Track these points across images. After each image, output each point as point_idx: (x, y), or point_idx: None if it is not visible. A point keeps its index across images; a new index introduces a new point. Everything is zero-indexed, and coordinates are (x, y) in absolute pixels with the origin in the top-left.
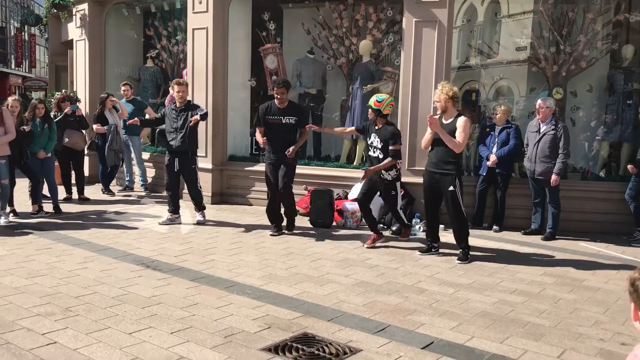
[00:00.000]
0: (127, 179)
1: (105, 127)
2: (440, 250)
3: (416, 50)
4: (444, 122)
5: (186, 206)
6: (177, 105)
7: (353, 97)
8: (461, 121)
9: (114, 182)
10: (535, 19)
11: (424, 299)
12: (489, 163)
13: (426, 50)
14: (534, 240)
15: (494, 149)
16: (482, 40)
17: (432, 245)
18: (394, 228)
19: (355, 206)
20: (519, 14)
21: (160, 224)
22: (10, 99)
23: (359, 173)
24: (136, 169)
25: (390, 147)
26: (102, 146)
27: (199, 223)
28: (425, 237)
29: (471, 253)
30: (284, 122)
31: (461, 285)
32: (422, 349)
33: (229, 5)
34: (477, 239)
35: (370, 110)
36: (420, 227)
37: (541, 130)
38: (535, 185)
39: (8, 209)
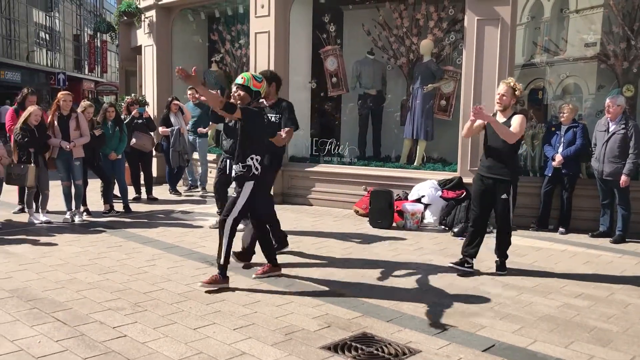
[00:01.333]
0: (189, 178)
1: (169, 130)
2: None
3: (478, 49)
4: (498, 120)
5: None
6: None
7: (414, 97)
8: (517, 118)
9: (180, 182)
10: (605, 14)
11: (485, 301)
12: (554, 163)
13: (489, 49)
14: (602, 243)
15: (560, 149)
16: (548, 37)
17: (465, 259)
18: (455, 229)
19: (415, 207)
20: (587, 9)
21: (210, 227)
22: (84, 104)
23: (420, 174)
24: (199, 169)
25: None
26: (168, 148)
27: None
28: (462, 249)
29: (534, 255)
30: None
31: (524, 288)
32: (482, 351)
33: (290, 8)
34: (543, 241)
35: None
36: None
37: (610, 130)
38: (603, 186)
39: (82, 209)
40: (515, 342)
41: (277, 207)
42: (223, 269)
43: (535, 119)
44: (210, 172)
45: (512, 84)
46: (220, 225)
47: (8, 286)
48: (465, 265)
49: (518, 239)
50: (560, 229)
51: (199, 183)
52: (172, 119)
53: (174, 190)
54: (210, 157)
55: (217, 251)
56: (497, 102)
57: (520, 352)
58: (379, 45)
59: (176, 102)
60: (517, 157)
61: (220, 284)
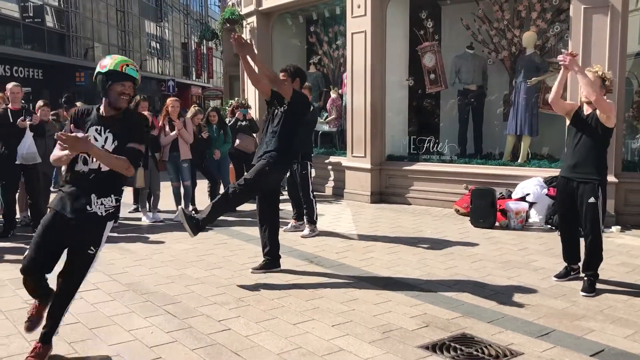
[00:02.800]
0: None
1: None
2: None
3: (586, 39)
4: (585, 113)
5: (347, 205)
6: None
7: (517, 91)
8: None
9: None
10: None
11: (594, 304)
12: None
13: (597, 38)
14: None
15: None
16: None
17: (570, 268)
18: None
19: (519, 205)
20: None
21: (284, 231)
22: (193, 109)
23: (524, 171)
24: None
25: None
26: None
27: (303, 237)
28: (563, 259)
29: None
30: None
31: (638, 292)
32: (590, 356)
33: (387, 7)
34: None
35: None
36: None
37: None
38: None
39: (190, 208)
40: (627, 347)
41: (374, 207)
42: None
43: None
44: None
45: (599, 72)
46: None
47: (124, 280)
48: (572, 274)
49: (632, 239)
50: None
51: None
52: None
53: None
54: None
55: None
56: (583, 94)
57: (633, 358)
58: (478, 39)
59: None
60: (606, 154)
61: None
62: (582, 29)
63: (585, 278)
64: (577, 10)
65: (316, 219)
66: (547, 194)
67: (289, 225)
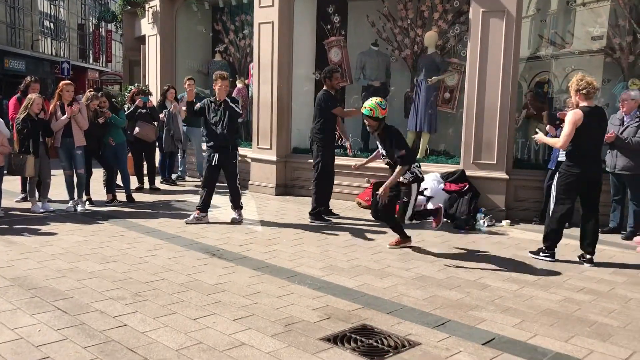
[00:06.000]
0: (180, 168)
1: (164, 112)
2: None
3: (483, 41)
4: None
5: (252, 197)
6: (217, 99)
7: (418, 89)
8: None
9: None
10: (611, 7)
11: (486, 294)
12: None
13: (494, 41)
14: (611, 239)
15: None
16: (554, 30)
17: (587, 253)
18: (457, 222)
19: (420, 199)
20: (594, 2)
21: (186, 222)
22: (88, 94)
23: (423, 166)
24: (194, 159)
25: (395, 156)
26: (161, 136)
27: (233, 222)
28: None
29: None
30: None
31: (526, 282)
32: (482, 344)
33: None
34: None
35: (367, 119)
36: (484, 222)
37: (625, 123)
38: (615, 181)
39: (84, 198)
40: (515, 335)
41: (279, 199)
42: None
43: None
44: None
45: (574, 85)
46: None
47: (9, 275)
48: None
49: (520, 232)
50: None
51: (199, 174)
52: (168, 107)
53: (166, 179)
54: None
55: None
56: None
57: (520, 345)
58: (383, 36)
59: (172, 90)
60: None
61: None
62: (481, 32)
63: (592, 256)
64: (476, 13)
65: (241, 205)
66: (443, 189)
67: (191, 217)
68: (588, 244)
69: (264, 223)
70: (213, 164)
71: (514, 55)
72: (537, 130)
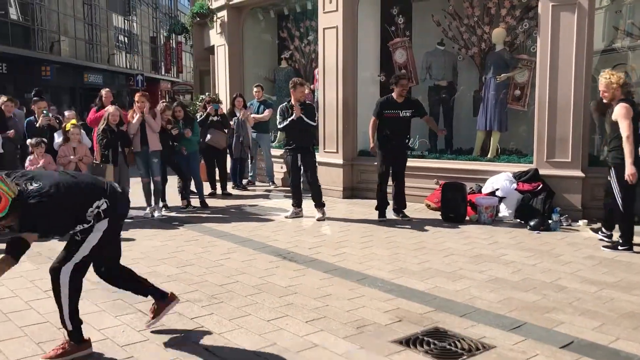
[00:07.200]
0: (250, 173)
1: (233, 119)
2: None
3: (554, 36)
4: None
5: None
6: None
7: (486, 87)
8: (616, 109)
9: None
10: None
11: (563, 296)
12: None
13: (565, 35)
14: None
15: None
16: (631, 20)
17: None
18: (532, 223)
19: (489, 200)
20: None
21: (286, 217)
22: (161, 106)
23: (494, 166)
24: (264, 165)
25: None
26: (231, 143)
27: (319, 220)
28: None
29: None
30: (401, 115)
31: (605, 284)
32: (560, 348)
33: (358, 3)
34: None
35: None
36: (560, 222)
37: None
38: None
39: (161, 204)
40: (595, 339)
41: (346, 202)
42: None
43: None
44: (282, 167)
45: (608, 77)
46: None
47: (94, 278)
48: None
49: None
50: None
51: (268, 179)
52: (237, 114)
53: (237, 185)
54: (276, 152)
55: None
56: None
57: (601, 349)
58: (449, 35)
59: (240, 99)
60: None
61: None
62: (550, 26)
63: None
64: (545, 7)
65: (323, 203)
66: (516, 189)
67: (290, 212)
68: None
69: (332, 226)
70: (298, 165)
71: (586, 48)
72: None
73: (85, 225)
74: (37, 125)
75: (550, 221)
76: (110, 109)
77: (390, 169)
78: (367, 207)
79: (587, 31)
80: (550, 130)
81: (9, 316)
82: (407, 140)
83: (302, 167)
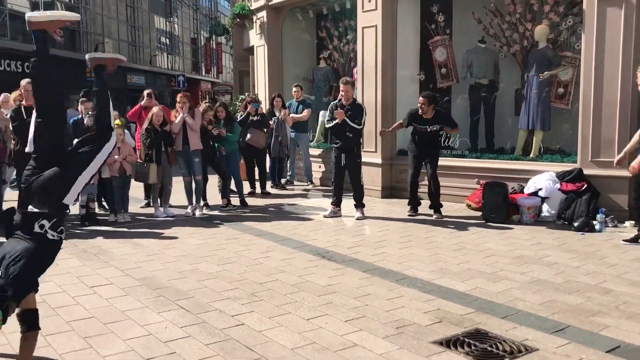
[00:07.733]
0: (289, 173)
1: (272, 119)
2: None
3: (599, 32)
4: None
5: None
6: (344, 104)
7: (529, 85)
8: None
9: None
10: None
11: (609, 299)
12: None
13: (611, 32)
14: None
15: None
16: None
17: None
18: (575, 224)
19: (532, 200)
20: None
21: (325, 216)
22: (204, 106)
23: (536, 165)
24: (302, 164)
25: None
26: (270, 143)
27: (358, 219)
28: None
29: None
30: (429, 130)
31: None
32: (606, 352)
33: (398, 1)
34: None
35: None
36: (605, 224)
37: None
38: None
39: (202, 203)
40: None
41: (385, 201)
42: None
43: None
44: (320, 167)
45: None
46: None
47: (137, 275)
48: None
49: None
50: None
51: (306, 178)
52: (277, 114)
53: (276, 184)
54: (314, 152)
55: None
56: None
57: None
58: (490, 33)
59: (278, 98)
60: None
61: None
62: (596, 22)
63: None
64: (590, 3)
65: (363, 204)
66: (559, 189)
67: (329, 211)
68: None
69: (371, 226)
70: (342, 164)
71: (634, 45)
72: None
73: None
74: (85, 124)
75: (595, 222)
76: (154, 109)
77: (418, 169)
78: (406, 207)
79: (634, 27)
80: (596, 129)
81: (57, 311)
82: (437, 145)
83: (345, 167)
